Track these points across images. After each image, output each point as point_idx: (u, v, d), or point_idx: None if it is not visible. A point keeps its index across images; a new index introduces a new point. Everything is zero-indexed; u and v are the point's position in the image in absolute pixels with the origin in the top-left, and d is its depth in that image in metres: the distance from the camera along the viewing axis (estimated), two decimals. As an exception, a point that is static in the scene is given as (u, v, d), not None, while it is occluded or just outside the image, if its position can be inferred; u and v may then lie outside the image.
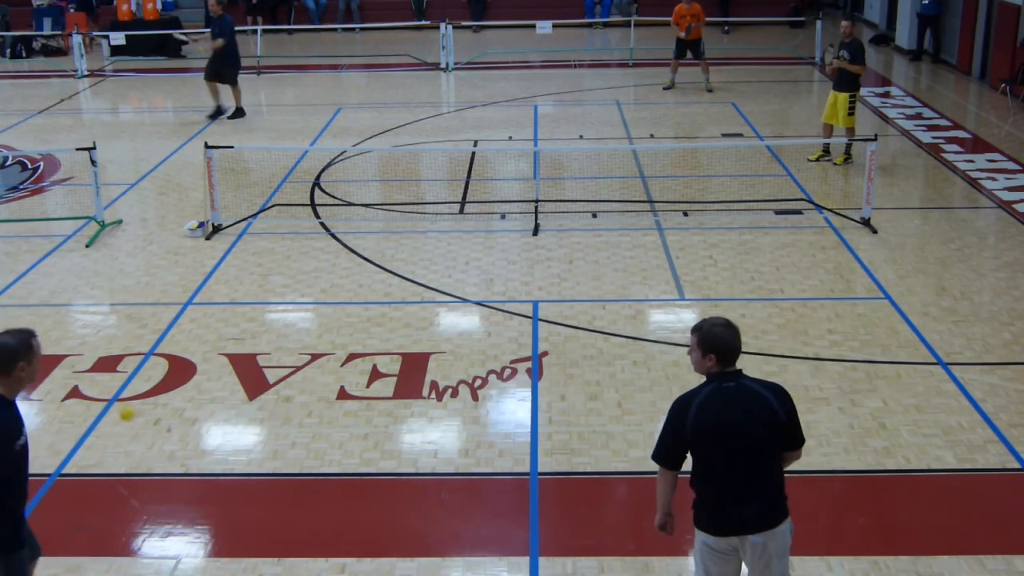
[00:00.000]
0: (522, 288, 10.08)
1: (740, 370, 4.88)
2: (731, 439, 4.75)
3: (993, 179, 13.52)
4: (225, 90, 17.46)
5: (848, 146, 13.95)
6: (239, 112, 17.48)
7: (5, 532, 4.88)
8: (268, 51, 24.13)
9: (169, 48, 24.22)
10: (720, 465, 4.81)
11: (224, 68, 17.16)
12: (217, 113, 17.49)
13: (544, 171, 13.25)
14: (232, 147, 13.14)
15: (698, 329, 4.89)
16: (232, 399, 8.05)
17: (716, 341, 4.82)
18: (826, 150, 14.20)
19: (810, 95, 19.84)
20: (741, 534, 4.87)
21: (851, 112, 13.70)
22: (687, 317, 9.46)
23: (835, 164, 13.92)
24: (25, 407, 7.92)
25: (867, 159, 11.53)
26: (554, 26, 22.64)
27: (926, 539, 6.28)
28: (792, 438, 4.90)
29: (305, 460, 7.21)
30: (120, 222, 12.19)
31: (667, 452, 4.93)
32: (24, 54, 24.71)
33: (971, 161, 14.39)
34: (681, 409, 4.83)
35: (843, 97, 13.68)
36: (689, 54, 19.17)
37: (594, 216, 12.20)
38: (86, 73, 21.91)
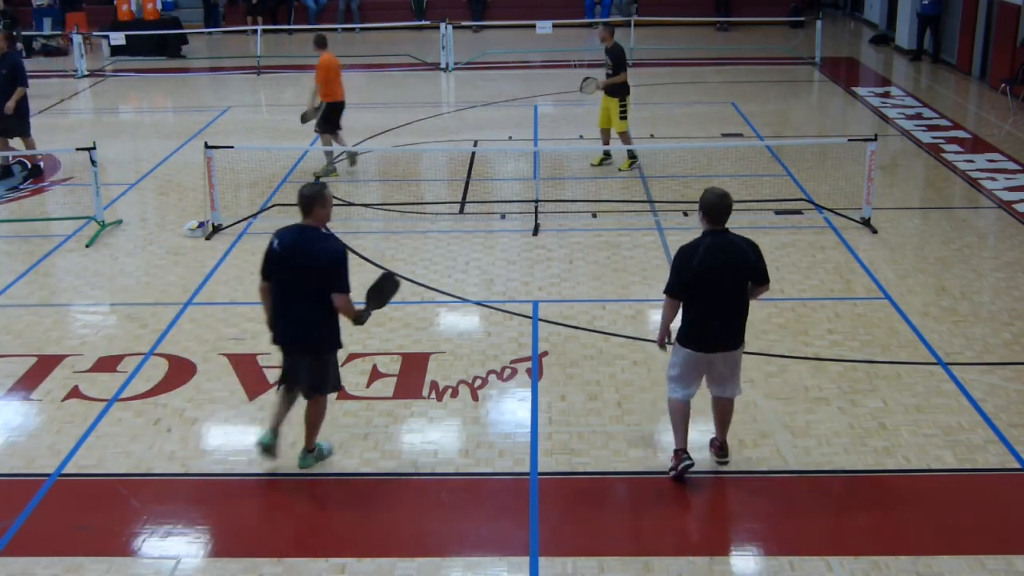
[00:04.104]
0: (522, 288, 10.08)
1: (727, 228, 6.51)
2: (722, 276, 6.42)
3: (993, 179, 13.52)
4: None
5: (631, 151, 13.82)
6: (36, 170, 14.09)
7: (336, 333, 6.35)
8: (268, 51, 24.12)
9: (169, 48, 24.22)
10: (710, 296, 6.44)
11: (12, 119, 13.42)
12: (35, 171, 14.08)
13: (544, 171, 13.24)
14: (232, 147, 13.12)
15: (701, 197, 6.55)
16: (232, 399, 8.04)
17: (706, 204, 6.49)
18: (607, 155, 14.10)
19: (810, 95, 19.85)
20: (716, 351, 6.52)
21: (623, 116, 13.58)
22: (687, 317, 9.46)
23: (620, 170, 13.79)
24: (25, 407, 7.97)
25: (867, 159, 11.53)
26: (554, 26, 22.64)
27: (926, 539, 6.28)
28: (759, 276, 6.57)
29: (305, 460, 7.21)
30: (120, 222, 12.18)
31: (678, 285, 6.53)
32: (24, 54, 24.67)
33: (971, 161, 14.38)
34: (689, 251, 6.52)
35: (614, 102, 13.56)
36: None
37: (594, 216, 12.20)
38: (86, 73, 21.92)
